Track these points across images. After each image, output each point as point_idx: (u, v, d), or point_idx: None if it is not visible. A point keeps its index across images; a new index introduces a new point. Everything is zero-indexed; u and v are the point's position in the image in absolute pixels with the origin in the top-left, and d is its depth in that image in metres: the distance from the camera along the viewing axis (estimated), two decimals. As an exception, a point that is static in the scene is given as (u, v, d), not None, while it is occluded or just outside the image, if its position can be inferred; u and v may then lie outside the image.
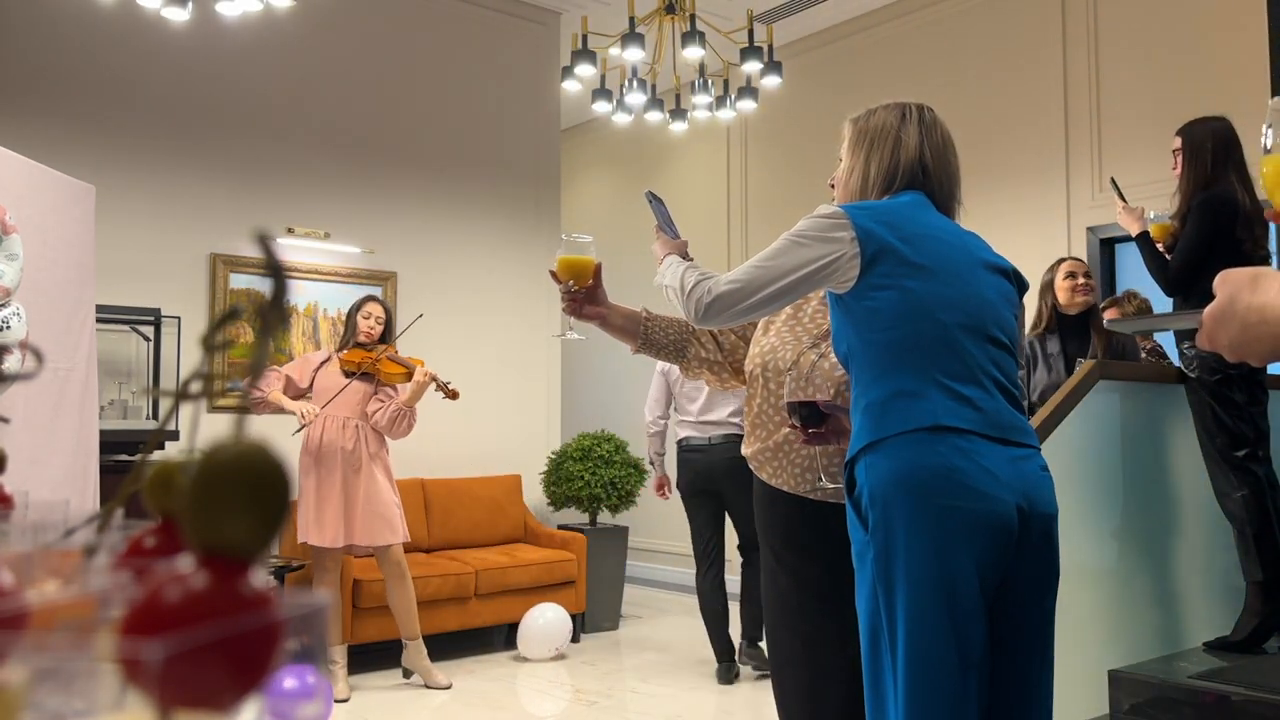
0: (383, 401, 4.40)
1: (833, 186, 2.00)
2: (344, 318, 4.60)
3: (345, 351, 4.42)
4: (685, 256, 1.99)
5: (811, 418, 1.87)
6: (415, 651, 4.50)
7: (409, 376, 4.38)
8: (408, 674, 4.58)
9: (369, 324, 4.43)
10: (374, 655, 4.76)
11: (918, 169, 1.85)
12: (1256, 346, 0.98)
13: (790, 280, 1.73)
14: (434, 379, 4.34)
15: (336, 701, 4.22)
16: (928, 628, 1.60)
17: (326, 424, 4.29)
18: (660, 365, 5.33)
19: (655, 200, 2.18)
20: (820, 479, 2.02)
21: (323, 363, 4.42)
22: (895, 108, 1.90)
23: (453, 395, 4.40)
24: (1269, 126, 1.05)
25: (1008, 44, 5.66)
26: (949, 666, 1.59)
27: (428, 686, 4.50)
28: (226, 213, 5.12)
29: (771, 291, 1.74)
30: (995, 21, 5.71)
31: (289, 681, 0.35)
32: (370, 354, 4.40)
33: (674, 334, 2.30)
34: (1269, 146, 1.05)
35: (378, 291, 5.54)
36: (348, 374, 4.36)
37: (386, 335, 4.50)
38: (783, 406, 2.01)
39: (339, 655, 4.38)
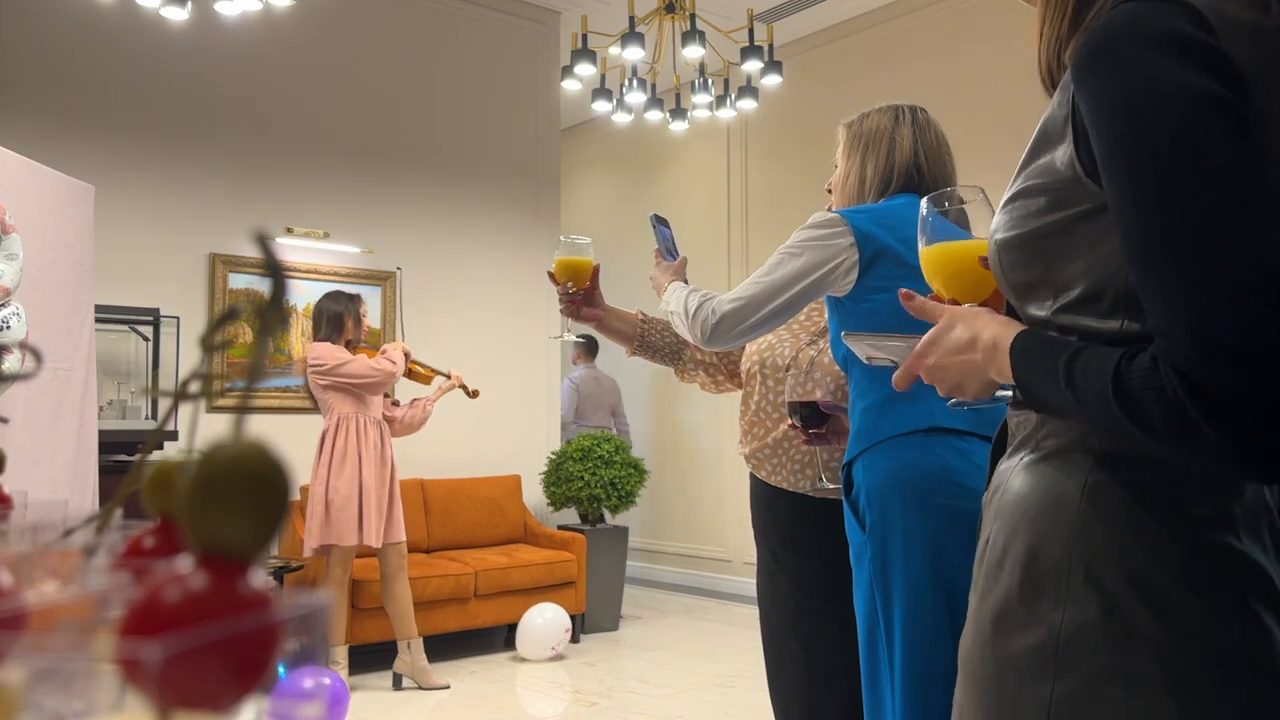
0: (398, 404, 4.57)
1: (830, 192, 2.00)
2: (331, 318, 4.40)
3: (363, 350, 4.43)
4: (683, 276, 1.99)
5: (812, 418, 1.88)
6: (415, 651, 4.50)
7: (430, 378, 4.60)
8: (398, 681, 4.55)
9: (367, 322, 4.49)
10: (374, 655, 4.76)
11: (913, 170, 1.86)
12: (954, 375, 1.01)
13: (794, 292, 1.73)
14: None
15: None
16: (925, 628, 1.60)
17: (369, 425, 4.33)
18: (572, 382, 6.77)
19: (660, 223, 2.15)
20: (820, 478, 2.02)
21: None
22: (888, 110, 1.90)
23: (474, 394, 4.70)
24: (923, 221, 1.14)
25: (1008, 43, 5.65)
26: (947, 667, 1.59)
27: (422, 688, 4.50)
28: (226, 213, 5.12)
29: (776, 305, 1.74)
30: (995, 21, 5.71)
31: (308, 682, 0.35)
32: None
33: (670, 337, 2.30)
34: (924, 242, 1.14)
35: (377, 291, 5.55)
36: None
37: None
38: (783, 405, 2.01)
39: (341, 656, 4.38)
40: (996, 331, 0.96)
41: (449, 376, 4.65)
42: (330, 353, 4.28)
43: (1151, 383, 0.79)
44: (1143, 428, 0.81)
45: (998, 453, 1.05)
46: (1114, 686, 0.87)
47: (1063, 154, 0.90)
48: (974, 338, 0.98)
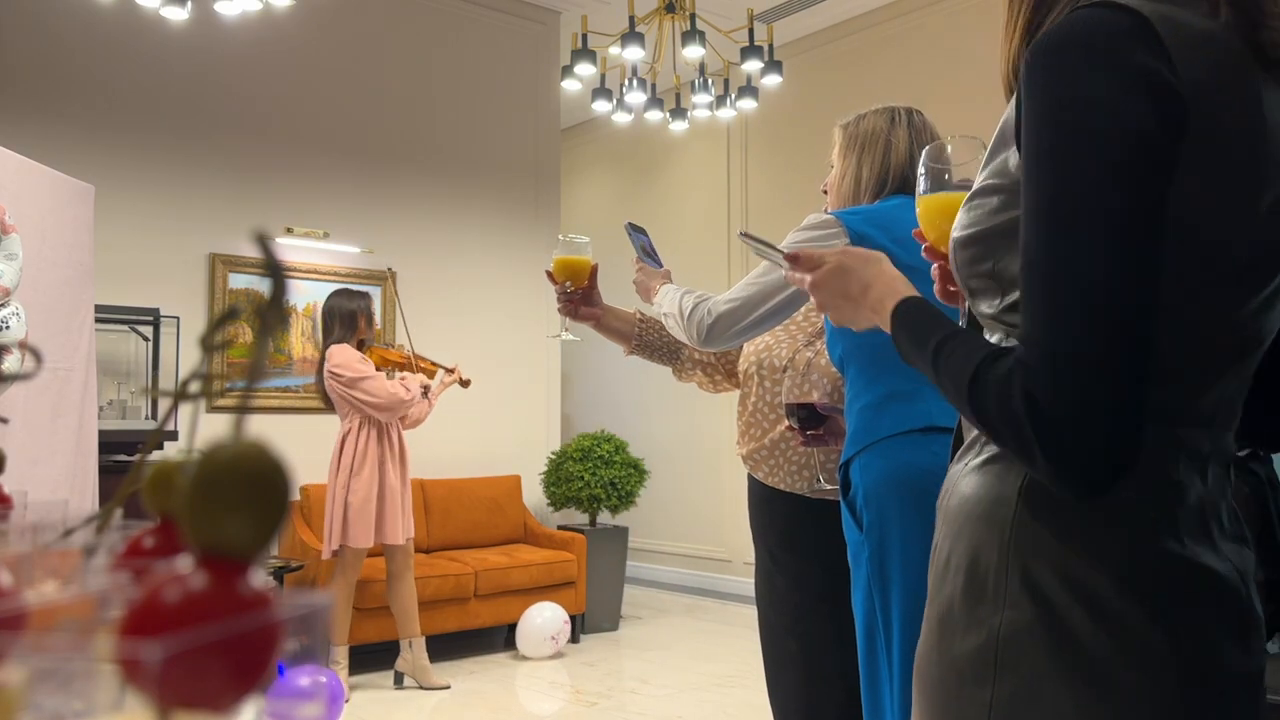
0: None
1: (825, 192, 2.00)
2: (344, 316, 4.39)
3: (376, 350, 4.43)
4: (670, 279, 2.00)
5: (810, 420, 1.88)
6: (418, 650, 4.50)
7: (433, 372, 4.63)
8: (400, 680, 4.55)
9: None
10: (375, 655, 4.76)
11: (908, 172, 1.86)
12: (845, 316, 1.12)
13: (789, 293, 1.74)
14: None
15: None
16: (926, 628, 1.60)
17: (389, 426, 4.33)
18: None
19: (636, 231, 2.15)
20: (819, 479, 2.02)
21: None
22: (884, 112, 1.91)
23: (466, 384, 4.74)
24: (923, 172, 1.16)
25: (1007, 44, 5.66)
26: (948, 666, 1.59)
27: (423, 687, 4.50)
28: (226, 213, 5.12)
29: (771, 306, 1.74)
30: (996, 21, 5.70)
31: (304, 680, 0.35)
32: (397, 352, 4.52)
33: (668, 336, 2.30)
34: (924, 189, 1.16)
35: (377, 291, 5.55)
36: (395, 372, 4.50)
37: None
38: (780, 406, 2.01)
39: (341, 656, 4.38)
40: (883, 291, 1.03)
41: (450, 371, 4.67)
42: (352, 363, 4.23)
43: (1003, 389, 0.83)
44: (986, 428, 0.85)
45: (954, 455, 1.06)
46: (1051, 688, 0.87)
47: (1013, 156, 0.92)
48: (865, 289, 1.06)
